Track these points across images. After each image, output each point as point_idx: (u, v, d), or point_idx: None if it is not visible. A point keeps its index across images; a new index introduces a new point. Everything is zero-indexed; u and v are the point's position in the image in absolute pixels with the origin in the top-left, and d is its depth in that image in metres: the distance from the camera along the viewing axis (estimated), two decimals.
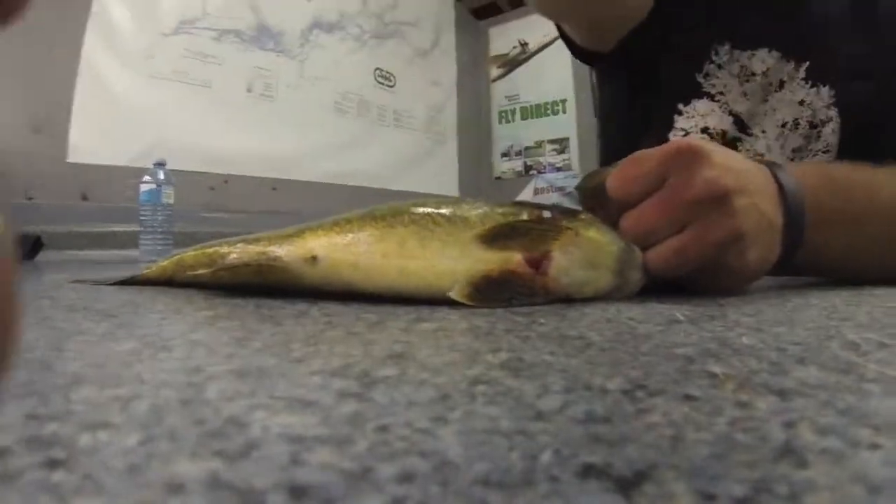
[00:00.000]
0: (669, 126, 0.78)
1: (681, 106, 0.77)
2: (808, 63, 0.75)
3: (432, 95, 3.47)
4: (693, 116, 0.77)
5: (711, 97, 0.76)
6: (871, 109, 0.75)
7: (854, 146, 0.75)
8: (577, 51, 0.82)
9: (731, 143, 0.75)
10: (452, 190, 3.53)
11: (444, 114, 3.56)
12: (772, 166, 0.45)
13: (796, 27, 0.77)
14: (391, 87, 3.17)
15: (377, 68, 3.09)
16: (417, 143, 3.32)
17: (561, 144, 3.66)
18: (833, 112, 0.76)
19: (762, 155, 0.75)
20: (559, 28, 0.75)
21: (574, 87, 3.54)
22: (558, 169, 3.64)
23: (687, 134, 0.76)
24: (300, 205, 2.47)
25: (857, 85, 0.76)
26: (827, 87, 0.75)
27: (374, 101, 3.06)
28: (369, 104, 3.03)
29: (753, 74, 0.76)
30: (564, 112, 3.65)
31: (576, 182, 3.62)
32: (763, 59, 0.76)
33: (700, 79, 0.77)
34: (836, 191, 0.49)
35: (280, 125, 2.61)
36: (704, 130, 0.76)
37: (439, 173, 3.46)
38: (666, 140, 0.76)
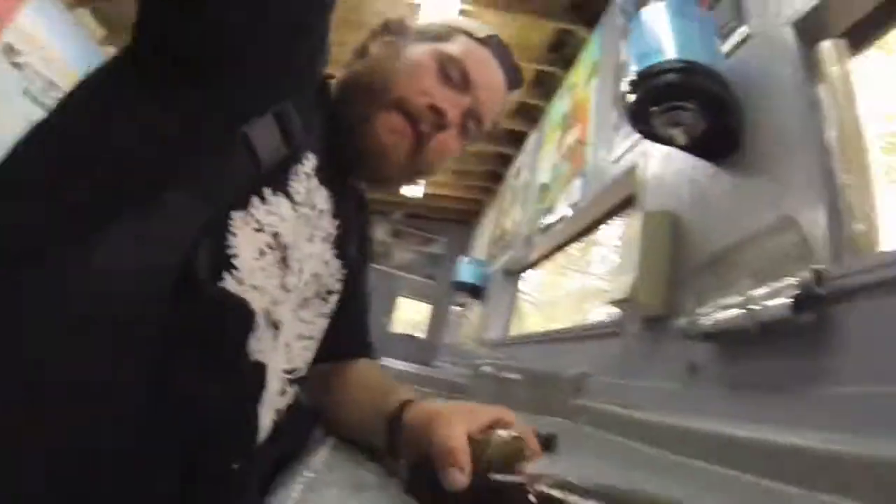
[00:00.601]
0: (245, 204, 0.63)
1: (267, 192, 0.65)
2: (339, 231, 0.81)
3: None
4: (274, 213, 0.66)
5: (293, 202, 0.69)
6: (346, 297, 0.86)
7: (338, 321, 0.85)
8: None
9: (281, 262, 0.67)
10: None
11: None
12: None
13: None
14: None
15: None
16: None
17: None
18: (339, 286, 0.83)
19: (288, 290, 0.70)
20: None
21: None
22: None
23: (260, 229, 0.64)
24: None
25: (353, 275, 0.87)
26: (340, 262, 0.82)
27: None
28: None
29: (315, 207, 0.74)
30: None
31: None
32: (325, 199, 0.77)
33: (290, 174, 0.69)
34: None
35: None
36: (275, 236, 0.66)
37: None
38: (226, 224, 0.61)
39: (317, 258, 0.76)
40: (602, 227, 3.20)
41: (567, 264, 4.23)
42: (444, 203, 7.13)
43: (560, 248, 3.90)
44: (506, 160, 5.98)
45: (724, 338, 1.42)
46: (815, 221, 1.24)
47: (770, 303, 1.19)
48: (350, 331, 0.93)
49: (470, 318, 4.42)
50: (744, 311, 1.25)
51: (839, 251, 1.20)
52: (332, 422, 0.82)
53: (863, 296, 1.09)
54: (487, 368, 1.98)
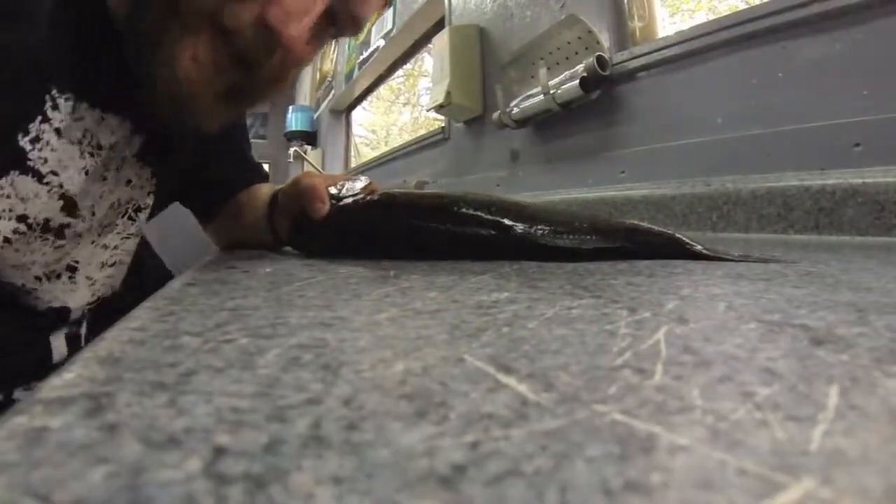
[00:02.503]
0: None
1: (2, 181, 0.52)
2: (143, 139, 0.65)
3: None
4: (10, 196, 0.53)
5: (40, 176, 0.54)
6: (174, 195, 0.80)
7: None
8: None
9: (58, 230, 0.58)
10: None
11: None
12: None
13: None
14: None
15: None
16: None
17: None
18: (150, 200, 0.71)
19: (80, 235, 0.61)
20: None
21: None
22: None
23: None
24: None
25: (171, 170, 0.72)
26: (150, 170, 0.68)
27: None
28: None
29: (101, 147, 0.59)
30: None
31: None
32: (113, 130, 0.60)
33: (25, 143, 0.52)
34: None
35: None
36: (22, 219, 0.55)
37: None
38: None
39: (114, 188, 0.63)
40: (424, 56, 3.33)
41: (395, 99, 4.35)
42: None
43: (382, 79, 3.99)
44: None
45: (533, 122, 1.67)
46: (601, 19, 1.45)
47: (565, 86, 1.43)
48: (233, 173, 0.88)
49: (309, 163, 4.50)
50: (546, 96, 1.49)
51: (622, 42, 1.43)
52: (233, 245, 0.87)
53: (641, 75, 1.35)
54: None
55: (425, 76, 3.85)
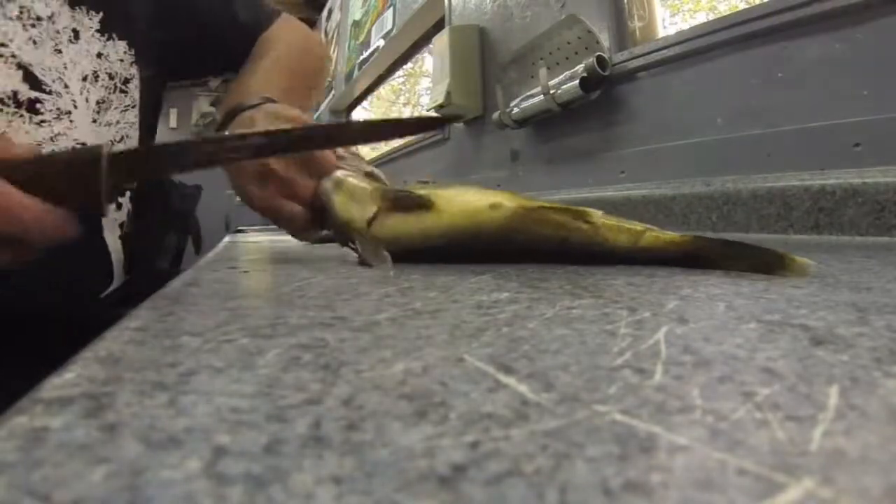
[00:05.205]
0: None
1: None
2: (101, 14, 0.69)
3: None
4: None
5: None
6: (165, 62, 0.79)
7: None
8: None
9: (30, 105, 0.62)
10: None
11: None
12: None
13: None
14: None
15: None
16: None
17: None
18: (134, 70, 0.74)
19: (69, 113, 0.65)
20: None
21: None
22: None
23: None
24: None
25: (153, 37, 0.76)
26: (124, 42, 0.72)
27: None
28: None
29: (39, 19, 0.64)
30: None
31: None
32: (48, 3, 0.64)
33: None
34: None
35: None
36: None
37: None
38: None
39: (82, 63, 0.67)
40: (424, 56, 3.33)
41: (396, 99, 4.34)
42: None
43: (382, 79, 4.00)
44: (316, 5, 5.82)
45: (533, 122, 1.67)
46: (601, 19, 1.45)
47: (565, 86, 1.43)
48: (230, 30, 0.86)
49: None
50: (546, 96, 1.49)
51: (622, 42, 1.43)
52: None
53: (641, 75, 1.35)
54: None
55: (426, 76, 3.86)
